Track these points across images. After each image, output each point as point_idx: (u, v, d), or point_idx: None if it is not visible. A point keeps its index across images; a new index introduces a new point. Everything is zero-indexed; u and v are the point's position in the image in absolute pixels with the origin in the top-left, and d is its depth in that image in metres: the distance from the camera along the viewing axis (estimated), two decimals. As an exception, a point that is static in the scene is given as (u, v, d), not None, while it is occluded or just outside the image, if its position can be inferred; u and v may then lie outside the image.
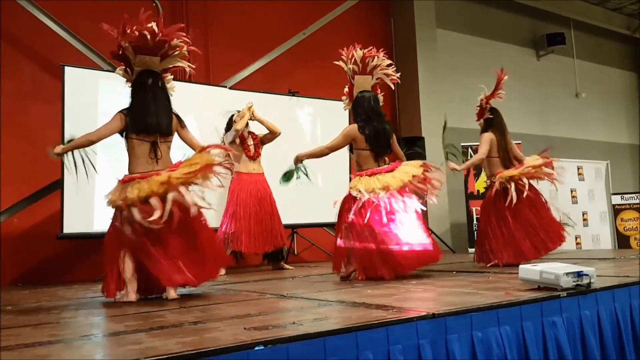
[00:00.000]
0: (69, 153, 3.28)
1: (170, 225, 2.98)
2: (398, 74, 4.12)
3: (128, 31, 3.07)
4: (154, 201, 2.94)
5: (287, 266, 5.31)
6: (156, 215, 2.91)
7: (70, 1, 5.58)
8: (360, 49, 3.96)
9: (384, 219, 3.61)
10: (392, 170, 3.77)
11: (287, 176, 4.11)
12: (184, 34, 3.28)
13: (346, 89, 4.14)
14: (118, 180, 3.16)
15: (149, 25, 3.10)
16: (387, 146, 3.93)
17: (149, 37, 3.08)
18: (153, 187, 2.98)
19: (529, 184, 4.28)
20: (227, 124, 5.29)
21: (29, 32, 5.45)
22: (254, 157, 5.17)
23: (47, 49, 5.52)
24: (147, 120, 3.16)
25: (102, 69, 5.45)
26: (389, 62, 4.05)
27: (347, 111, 6.48)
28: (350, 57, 3.97)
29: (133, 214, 2.95)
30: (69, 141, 3.27)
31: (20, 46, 5.43)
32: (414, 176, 3.72)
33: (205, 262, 3.14)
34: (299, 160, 3.97)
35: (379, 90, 4.12)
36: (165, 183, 2.98)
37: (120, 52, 3.21)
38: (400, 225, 3.63)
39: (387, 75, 4.06)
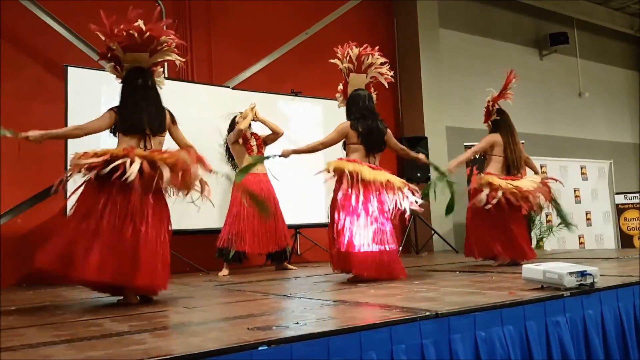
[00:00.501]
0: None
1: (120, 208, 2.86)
2: (391, 73, 4.11)
3: (115, 31, 3.06)
4: (111, 158, 2.85)
5: (290, 266, 5.31)
6: (134, 167, 2.80)
7: (73, 1, 5.58)
8: (356, 47, 3.97)
9: (354, 217, 3.63)
10: (374, 170, 3.77)
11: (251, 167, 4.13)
12: (172, 31, 3.26)
13: (340, 87, 4.16)
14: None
15: (136, 24, 3.07)
16: (380, 144, 3.94)
17: (136, 35, 3.07)
18: (114, 152, 2.90)
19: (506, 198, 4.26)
20: (230, 125, 5.30)
21: (31, 33, 5.46)
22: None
23: (50, 49, 5.53)
24: (138, 120, 3.12)
25: (104, 69, 5.43)
26: (384, 60, 4.06)
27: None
28: (345, 55, 3.99)
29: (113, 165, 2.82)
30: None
31: (23, 46, 5.44)
32: (388, 181, 3.69)
33: (142, 263, 2.85)
34: (284, 155, 3.92)
35: (372, 89, 4.13)
36: (126, 150, 2.91)
37: (110, 52, 3.20)
38: (367, 226, 3.61)
39: (381, 74, 4.07)
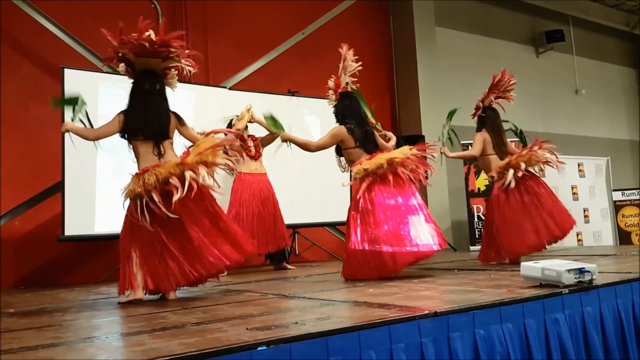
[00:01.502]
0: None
1: (188, 214, 3.04)
2: (357, 86, 4.16)
3: (126, 41, 3.11)
4: (174, 180, 2.99)
5: (289, 266, 5.31)
6: (177, 195, 2.95)
7: (70, 4, 5.58)
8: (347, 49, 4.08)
9: (381, 216, 3.63)
10: (387, 152, 3.86)
11: (275, 122, 4.04)
12: (183, 42, 3.33)
13: (331, 83, 4.16)
14: (133, 174, 3.18)
15: (147, 33, 3.14)
16: (375, 145, 4.00)
17: (147, 45, 3.13)
18: (170, 169, 3.03)
19: (529, 171, 4.27)
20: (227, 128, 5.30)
21: (29, 35, 5.46)
22: (255, 157, 5.17)
23: (47, 51, 5.53)
24: (142, 126, 3.20)
25: (101, 71, 5.44)
26: (357, 65, 4.11)
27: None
28: (344, 57, 4.09)
29: (154, 197, 2.98)
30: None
31: (20, 49, 5.43)
32: (410, 149, 3.80)
33: (232, 241, 3.15)
34: (284, 139, 3.96)
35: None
36: (180, 164, 3.05)
37: (120, 56, 3.25)
38: (400, 222, 3.63)
39: (351, 82, 4.14)
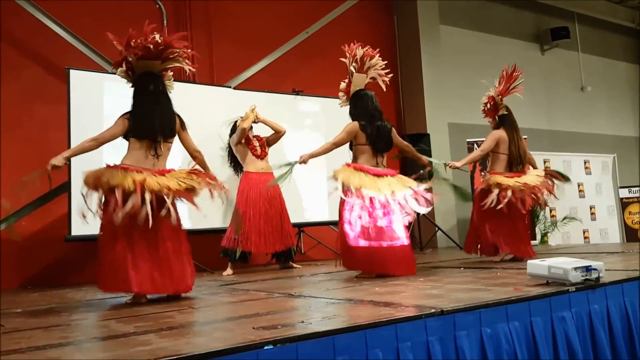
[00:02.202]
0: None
1: (142, 228, 3.02)
2: (389, 76, 4.18)
3: (132, 44, 3.14)
4: (117, 193, 2.98)
5: (295, 265, 5.32)
6: (110, 207, 2.98)
7: (75, 5, 5.59)
8: (362, 48, 4.04)
9: (374, 214, 3.69)
10: (380, 176, 3.80)
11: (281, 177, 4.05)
12: (187, 43, 3.35)
13: (343, 85, 4.19)
14: (106, 164, 3.19)
15: (152, 36, 3.16)
16: (388, 144, 4.00)
17: (152, 47, 3.16)
18: (125, 182, 3.01)
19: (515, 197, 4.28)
20: (232, 130, 5.31)
21: (34, 36, 5.47)
22: (262, 156, 5.16)
23: (52, 52, 5.54)
24: (151, 125, 3.21)
25: (106, 72, 5.45)
26: (383, 63, 4.14)
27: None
28: (353, 55, 4.04)
29: (116, 197, 2.99)
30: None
31: (25, 50, 5.45)
32: (392, 192, 3.71)
33: (173, 271, 3.12)
34: (303, 161, 3.97)
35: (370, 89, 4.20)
36: (136, 183, 3.02)
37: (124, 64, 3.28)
38: (388, 221, 3.70)
39: (380, 75, 4.15)
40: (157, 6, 6.04)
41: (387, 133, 3.99)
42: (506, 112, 4.59)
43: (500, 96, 4.58)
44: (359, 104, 4.04)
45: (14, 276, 5.10)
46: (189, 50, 3.36)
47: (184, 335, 1.91)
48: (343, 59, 4.08)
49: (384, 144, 3.97)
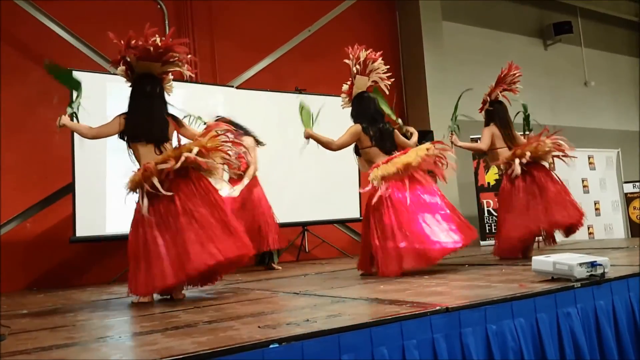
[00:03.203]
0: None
1: (187, 200, 3.04)
2: (391, 81, 4.21)
3: (132, 45, 3.16)
4: (170, 160, 3.03)
5: (276, 266, 5.25)
6: (169, 164, 3.00)
7: (77, 7, 5.60)
8: (365, 50, 4.05)
9: (400, 215, 3.62)
10: (405, 153, 3.83)
11: (307, 117, 4.07)
12: (187, 49, 3.38)
13: (345, 87, 4.22)
14: (133, 171, 3.20)
15: (153, 39, 3.18)
16: (392, 144, 4.01)
17: (152, 50, 3.19)
18: (168, 153, 3.10)
19: (538, 163, 4.25)
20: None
21: (37, 39, 5.48)
22: (243, 171, 5.02)
23: (55, 54, 5.53)
24: (144, 129, 3.23)
25: (109, 73, 5.46)
26: (386, 68, 4.17)
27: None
28: (356, 57, 4.05)
29: (153, 182, 3.02)
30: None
31: (28, 52, 5.46)
32: (427, 149, 3.79)
33: (229, 237, 3.07)
34: (308, 136, 3.97)
35: (372, 89, 4.22)
36: (177, 149, 3.12)
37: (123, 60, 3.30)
38: (418, 220, 3.62)
39: (382, 79, 4.17)
40: (159, 7, 6.04)
41: (389, 135, 4.00)
42: (491, 108, 4.59)
43: (489, 93, 4.60)
44: (360, 107, 4.05)
45: (20, 277, 5.12)
46: (189, 56, 3.39)
47: (190, 335, 1.92)
48: (347, 61, 4.08)
49: (389, 144, 3.98)
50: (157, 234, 3.02)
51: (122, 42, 3.18)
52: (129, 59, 3.26)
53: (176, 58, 3.31)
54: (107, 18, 5.54)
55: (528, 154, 4.22)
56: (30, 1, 5.41)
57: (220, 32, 6.51)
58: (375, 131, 3.93)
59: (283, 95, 6.31)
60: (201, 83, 5.95)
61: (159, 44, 3.18)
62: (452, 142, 4.45)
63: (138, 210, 3.12)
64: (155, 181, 3.02)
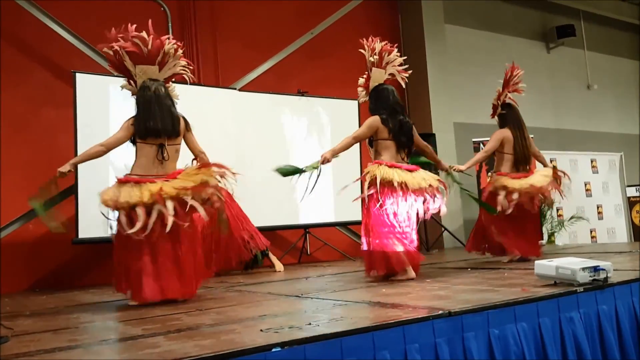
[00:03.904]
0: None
1: (159, 234, 3.08)
2: (408, 73, 4.11)
3: (121, 37, 3.22)
4: (139, 211, 3.04)
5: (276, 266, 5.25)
6: (137, 226, 3.01)
7: (80, 8, 5.61)
8: (380, 42, 3.94)
9: (393, 219, 3.61)
10: (411, 171, 3.70)
11: (286, 172, 3.86)
12: (174, 40, 3.38)
13: (362, 80, 4.06)
14: (116, 178, 3.23)
15: (140, 33, 3.22)
16: (410, 140, 3.86)
17: (141, 44, 3.21)
18: (143, 197, 3.07)
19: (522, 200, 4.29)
20: None
21: (41, 40, 5.50)
22: None
23: (58, 56, 5.57)
24: (153, 124, 3.23)
25: (112, 75, 5.45)
26: (402, 59, 4.06)
27: (357, 108, 6.52)
28: (372, 48, 3.92)
29: (120, 219, 3.09)
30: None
31: (31, 53, 5.48)
32: (430, 185, 3.65)
33: (184, 276, 3.17)
34: (326, 160, 3.78)
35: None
36: (155, 195, 3.07)
37: (119, 62, 3.32)
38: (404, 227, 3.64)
39: (399, 72, 4.07)
40: (162, 8, 6.06)
41: (409, 128, 3.86)
42: (504, 111, 4.58)
43: (498, 96, 4.60)
44: (379, 98, 3.89)
45: (22, 278, 5.12)
46: (181, 51, 3.39)
47: (192, 338, 1.92)
48: (362, 51, 3.95)
49: (406, 139, 3.83)
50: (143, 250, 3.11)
51: (109, 40, 3.23)
52: (127, 66, 3.29)
53: (169, 54, 3.32)
54: (110, 19, 5.54)
55: (516, 196, 4.25)
56: (33, 2, 5.42)
57: (223, 34, 6.52)
58: (395, 123, 3.77)
59: (286, 98, 6.32)
60: (204, 85, 5.96)
61: (145, 38, 3.21)
62: (457, 171, 4.36)
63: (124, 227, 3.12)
64: (123, 220, 3.06)
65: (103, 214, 3.23)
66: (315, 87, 6.59)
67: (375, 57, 3.92)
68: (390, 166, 3.67)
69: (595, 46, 10.16)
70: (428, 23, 7.93)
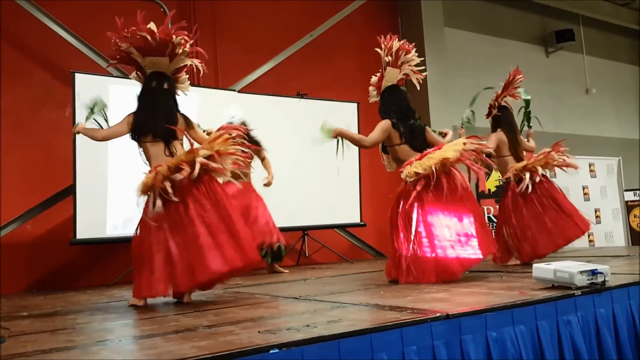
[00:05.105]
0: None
1: (198, 207, 3.01)
2: (424, 75, 4.01)
3: (128, 35, 3.13)
4: (184, 165, 2.98)
5: (281, 269, 5.23)
6: (184, 173, 2.95)
7: (80, 9, 5.62)
8: (398, 40, 3.83)
9: (432, 223, 3.45)
10: (440, 149, 3.58)
11: (326, 133, 3.72)
12: (185, 32, 3.31)
13: (374, 79, 3.94)
14: (144, 173, 3.18)
15: (147, 26, 3.15)
16: (423, 143, 3.76)
17: (149, 38, 3.14)
18: (181, 157, 3.04)
19: (543, 174, 4.27)
20: None
21: (40, 40, 5.50)
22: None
23: (57, 56, 5.57)
24: (149, 125, 3.21)
25: (111, 75, 5.48)
26: (419, 60, 3.96)
27: (356, 110, 6.53)
28: (389, 47, 3.81)
29: (165, 186, 2.97)
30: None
31: (30, 54, 5.48)
32: (464, 144, 3.52)
33: (237, 245, 3.03)
34: (337, 133, 3.68)
35: (402, 83, 4.03)
36: (190, 152, 3.05)
37: (126, 55, 3.27)
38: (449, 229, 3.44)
39: (414, 72, 3.97)
40: (162, 9, 6.06)
41: (421, 132, 3.77)
42: (499, 113, 4.60)
43: (495, 98, 4.61)
44: (390, 101, 3.80)
45: (20, 279, 5.11)
46: (189, 42, 3.33)
47: (190, 339, 1.91)
48: (379, 50, 3.85)
49: (420, 142, 3.73)
50: (169, 237, 3.01)
51: (114, 35, 3.17)
52: (133, 56, 3.23)
53: (179, 47, 3.26)
54: (110, 20, 5.55)
55: (540, 170, 4.23)
56: (33, 2, 5.42)
57: (222, 35, 6.53)
58: (405, 128, 3.69)
59: (285, 100, 6.32)
60: (203, 86, 5.96)
61: (155, 31, 3.15)
62: (460, 135, 4.23)
63: (147, 213, 3.09)
64: (168, 186, 2.98)
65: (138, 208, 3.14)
66: (315, 90, 6.59)
67: (390, 57, 3.80)
68: (420, 158, 3.55)
69: (594, 51, 10.19)
70: (428, 26, 7.94)
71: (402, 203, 3.59)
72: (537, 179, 4.24)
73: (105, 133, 3.32)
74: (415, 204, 3.49)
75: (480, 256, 3.44)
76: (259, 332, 1.94)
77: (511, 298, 2.37)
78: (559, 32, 9.51)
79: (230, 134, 3.13)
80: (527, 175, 4.24)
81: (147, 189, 3.09)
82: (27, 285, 5.15)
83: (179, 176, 2.98)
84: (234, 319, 2.35)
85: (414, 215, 3.49)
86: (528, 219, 4.25)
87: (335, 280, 4.14)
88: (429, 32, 7.93)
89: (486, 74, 7.85)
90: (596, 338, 2.42)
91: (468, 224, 3.45)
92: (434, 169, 3.43)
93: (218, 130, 3.24)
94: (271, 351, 1.66)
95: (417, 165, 3.52)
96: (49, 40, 5.51)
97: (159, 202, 3.00)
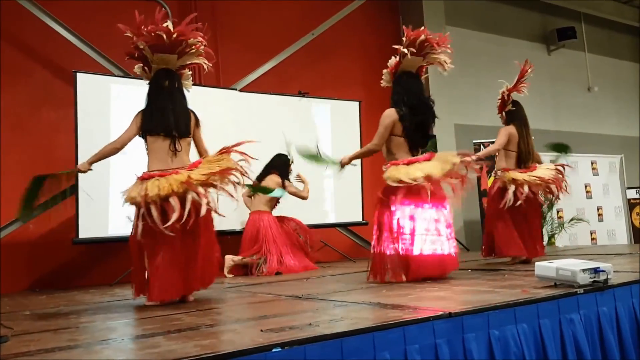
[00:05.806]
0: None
1: (183, 228, 3.00)
2: (449, 65, 3.90)
3: (144, 32, 3.11)
4: (174, 201, 2.94)
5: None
6: (175, 216, 2.92)
7: (81, 8, 5.62)
8: (425, 35, 3.71)
9: (413, 224, 3.49)
10: (429, 160, 3.54)
11: (313, 158, 3.81)
12: (200, 33, 3.30)
13: (392, 61, 3.80)
14: (137, 177, 3.17)
15: (164, 24, 3.14)
16: (424, 141, 3.72)
17: (165, 37, 3.12)
18: (173, 186, 2.98)
19: (532, 191, 4.28)
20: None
21: (41, 40, 5.50)
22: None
23: (59, 56, 5.57)
24: (166, 121, 3.18)
25: (113, 75, 5.48)
26: (449, 51, 3.86)
27: (358, 110, 6.53)
28: (412, 38, 3.68)
29: (152, 212, 2.95)
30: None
31: (32, 53, 5.48)
32: (454, 164, 3.47)
33: (199, 270, 3.13)
34: (344, 164, 3.72)
35: (424, 71, 3.91)
36: (184, 183, 2.99)
37: (140, 52, 3.24)
38: (429, 232, 3.50)
39: (439, 63, 3.85)
40: (163, 9, 6.05)
41: (425, 131, 3.69)
42: (513, 108, 4.59)
43: (507, 92, 4.60)
44: (402, 90, 3.68)
45: (22, 278, 5.13)
46: (204, 43, 3.31)
47: (192, 338, 1.92)
48: (397, 47, 3.76)
49: (419, 140, 3.67)
50: (160, 246, 3.03)
51: (132, 31, 3.14)
52: (144, 52, 3.21)
53: (193, 47, 3.25)
54: (111, 19, 5.55)
55: (526, 189, 4.24)
56: (33, 2, 5.42)
57: (224, 34, 6.52)
58: (411, 123, 3.60)
59: (287, 98, 6.32)
60: (204, 85, 5.96)
61: (171, 30, 3.13)
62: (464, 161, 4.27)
63: (136, 230, 3.07)
64: (155, 214, 2.95)
65: (128, 218, 3.17)
66: (316, 88, 6.59)
67: (411, 47, 3.66)
68: (408, 163, 3.53)
69: (595, 48, 10.17)
70: (429, 25, 7.85)
71: (381, 205, 3.60)
72: (518, 202, 4.23)
73: (122, 142, 3.23)
74: (393, 207, 3.51)
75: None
76: (261, 330, 1.94)
77: (513, 296, 2.36)
78: (560, 30, 9.49)
79: (232, 166, 3.11)
80: (512, 189, 4.24)
81: (133, 202, 3.08)
82: (29, 285, 5.16)
83: (173, 218, 2.92)
84: (236, 318, 2.36)
85: (387, 218, 3.54)
86: (507, 221, 4.33)
87: (337, 278, 4.14)
88: (430, 30, 7.89)
89: (488, 72, 7.84)
90: (599, 336, 2.41)
91: (442, 227, 3.54)
92: (417, 182, 3.41)
93: (221, 152, 3.21)
94: (273, 350, 1.66)
95: (404, 173, 3.48)
96: (49, 39, 5.51)
97: (141, 226, 3.00)
